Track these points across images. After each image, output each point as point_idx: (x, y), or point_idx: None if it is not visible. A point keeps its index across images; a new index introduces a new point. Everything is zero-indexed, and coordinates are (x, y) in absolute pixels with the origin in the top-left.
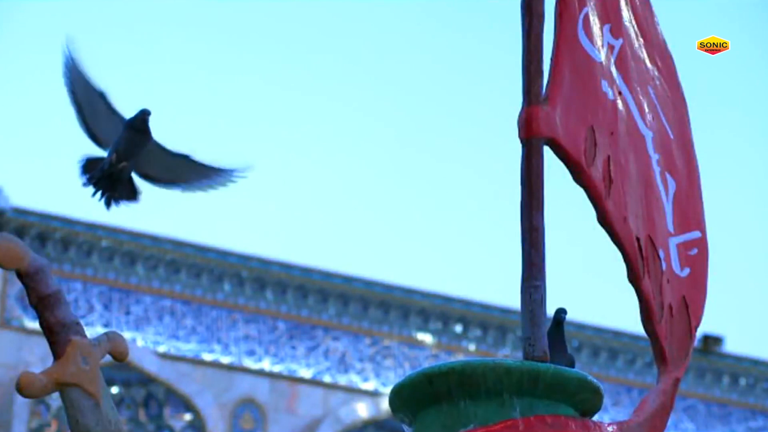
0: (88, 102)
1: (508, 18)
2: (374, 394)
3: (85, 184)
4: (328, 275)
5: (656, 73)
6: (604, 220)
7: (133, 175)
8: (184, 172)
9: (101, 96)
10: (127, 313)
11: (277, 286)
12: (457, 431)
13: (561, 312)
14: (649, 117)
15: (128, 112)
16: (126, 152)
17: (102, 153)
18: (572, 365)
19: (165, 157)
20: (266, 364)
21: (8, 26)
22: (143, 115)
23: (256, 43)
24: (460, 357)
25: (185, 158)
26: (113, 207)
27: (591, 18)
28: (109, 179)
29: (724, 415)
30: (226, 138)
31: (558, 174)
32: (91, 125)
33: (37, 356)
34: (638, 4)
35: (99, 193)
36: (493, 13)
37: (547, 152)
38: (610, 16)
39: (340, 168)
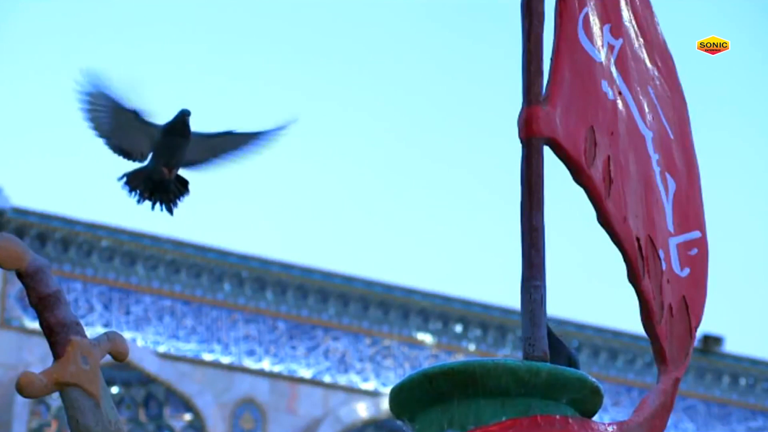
0: (114, 121)
1: (508, 18)
2: (374, 394)
3: (140, 202)
4: (328, 275)
5: (656, 73)
6: (604, 220)
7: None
8: (227, 147)
9: (133, 112)
10: (127, 313)
11: (277, 286)
12: (457, 431)
13: None
14: (649, 117)
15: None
16: (173, 160)
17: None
18: (572, 362)
19: (206, 141)
20: (266, 364)
21: (8, 26)
22: (183, 117)
23: (256, 44)
24: (460, 357)
25: (228, 134)
26: (176, 209)
27: (591, 18)
28: (160, 186)
29: (724, 415)
30: None
31: (558, 174)
32: (120, 143)
33: (37, 356)
34: (638, 4)
35: (158, 204)
36: (492, 14)
37: (547, 152)
38: (610, 16)
39: (340, 168)
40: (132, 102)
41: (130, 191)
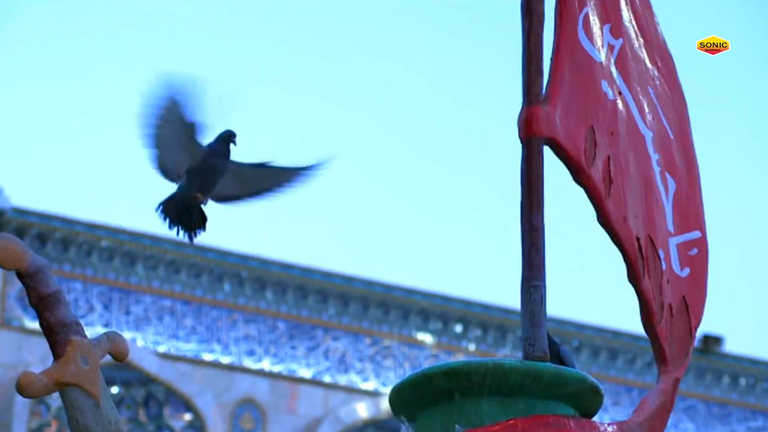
0: (170, 135)
1: (508, 18)
2: (374, 394)
3: (171, 228)
4: (328, 275)
5: (656, 73)
6: (604, 220)
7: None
8: (262, 181)
9: (192, 127)
10: (127, 313)
11: (277, 286)
12: (457, 431)
13: None
14: (649, 117)
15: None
16: (208, 185)
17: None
18: (562, 360)
19: (241, 173)
20: (266, 364)
21: (8, 26)
22: (228, 138)
23: (256, 45)
24: (460, 357)
25: (262, 166)
26: (195, 237)
27: (591, 18)
28: (186, 211)
29: (724, 415)
30: None
31: (558, 174)
32: (165, 159)
33: (37, 356)
34: (638, 4)
35: (182, 230)
36: (492, 13)
37: (547, 152)
38: (610, 16)
39: (339, 168)
40: (194, 113)
41: (164, 218)
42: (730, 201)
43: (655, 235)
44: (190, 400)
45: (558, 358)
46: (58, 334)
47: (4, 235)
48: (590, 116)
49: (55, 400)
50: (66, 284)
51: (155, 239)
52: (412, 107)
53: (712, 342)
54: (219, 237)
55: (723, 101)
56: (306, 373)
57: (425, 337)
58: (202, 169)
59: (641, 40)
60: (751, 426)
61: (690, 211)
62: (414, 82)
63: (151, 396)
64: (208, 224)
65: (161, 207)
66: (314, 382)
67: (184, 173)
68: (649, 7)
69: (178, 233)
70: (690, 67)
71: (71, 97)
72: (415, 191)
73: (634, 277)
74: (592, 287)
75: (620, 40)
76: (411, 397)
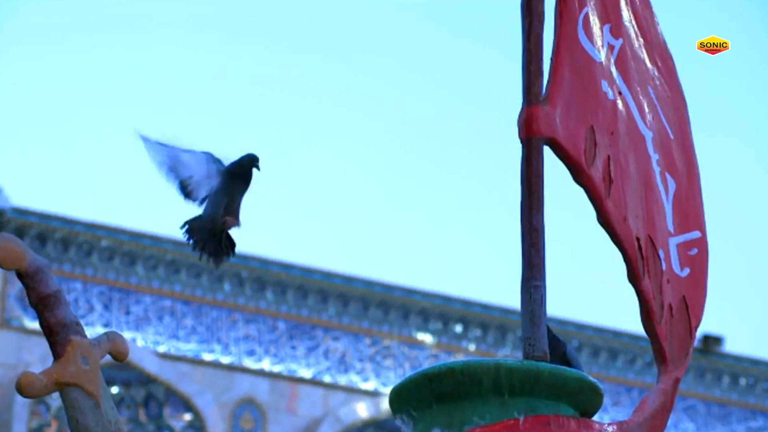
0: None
1: (508, 18)
2: (374, 394)
3: (194, 249)
4: (328, 275)
5: (656, 73)
6: (604, 220)
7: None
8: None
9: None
10: (127, 313)
11: (277, 286)
12: (457, 431)
13: None
14: (649, 117)
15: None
16: (234, 208)
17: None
18: (567, 360)
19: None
20: (266, 364)
21: (8, 26)
22: (252, 164)
23: (255, 45)
24: (460, 357)
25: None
26: (220, 262)
27: (591, 18)
28: (214, 236)
29: (724, 415)
30: (225, 140)
31: (558, 174)
32: (189, 187)
33: (37, 356)
34: (638, 4)
35: (208, 256)
36: (492, 14)
37: (547, 152)
38: (610, 16)
39: (340, 168)
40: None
41: (189, 238)
42: (730, 201)
43: (655, 235)
44: (190, 400)
45: (564, 358)
46: (58, 334)
47: (4, 235)
48: (590, 116)
49: (55, 400)
50: (66, 284)
51: (155, 239)
52: (412, 107)
53: (712, 342)
54: None
55: (723, 101)
56: (306, 373)
57: (425, 337)
58: (225, 190)
59: (641, 40)
60: (751, 426)
61: (690, 211)
62: (414, 82)
63: (151, 396)
64: (235, 250)
65: (187, 227)
66: (314, 382)
67: (208, 198)
68: (649, 7)
69: (201, 258)
70: (690, 67)
71: (71, 97)
72: (416, 191)
73: (634, 277)
74: (592, 287)
75: (620, 40)
76: (411, 397)
